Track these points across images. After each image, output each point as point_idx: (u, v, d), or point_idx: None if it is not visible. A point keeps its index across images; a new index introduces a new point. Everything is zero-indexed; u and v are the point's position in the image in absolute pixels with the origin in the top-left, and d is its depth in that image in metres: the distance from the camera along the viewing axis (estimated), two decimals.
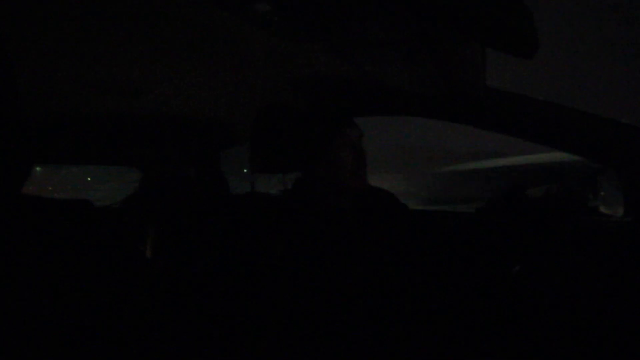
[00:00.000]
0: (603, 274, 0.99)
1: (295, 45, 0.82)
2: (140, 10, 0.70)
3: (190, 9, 0.71)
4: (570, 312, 0.97)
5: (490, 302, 0.99)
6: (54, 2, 0.66)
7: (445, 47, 0.66)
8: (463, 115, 1.07)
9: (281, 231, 0.85)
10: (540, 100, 0.99)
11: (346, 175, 0.89)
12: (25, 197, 0.62)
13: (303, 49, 0.85)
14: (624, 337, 0.89)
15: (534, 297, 0.99)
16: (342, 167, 0.89)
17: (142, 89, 1.08)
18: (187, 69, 0.97)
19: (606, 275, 0.98)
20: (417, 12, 0.46)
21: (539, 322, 0.96)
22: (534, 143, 1.05)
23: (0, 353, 0.45)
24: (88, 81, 1.01)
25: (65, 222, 0.68)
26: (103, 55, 0.87)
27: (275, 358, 0.74)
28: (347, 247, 0.87)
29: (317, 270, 0.82)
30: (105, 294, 0.67)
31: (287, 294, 0.80)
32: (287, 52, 0.87)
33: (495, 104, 1.00)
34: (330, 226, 0.88)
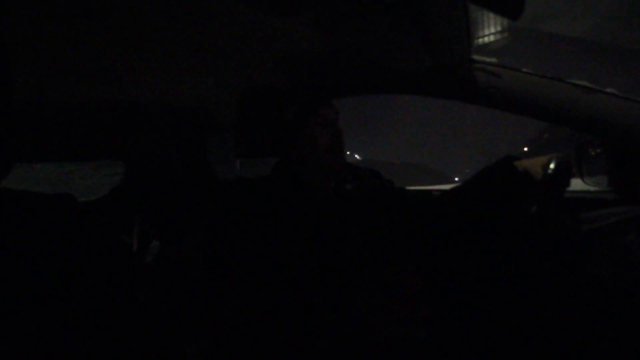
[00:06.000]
0: (588, 243, 1.01)
1: (279, 20, 0.79)
2: None
3: None
4: (558, 280, 0.99)
5: (482, 276, 1.00)
6: None
7: (430, 14, 0.64)
8: (449, 89, 1.06)
9: (267, 216, 0.84)
10: (525, 71, 0.98)
11: (324, 155, 0.88)
12: (5, 191, 0.60)
13: (286, 25, 0.82)
14: (611, 306, 0.92)
15: (524, 268, 1.01)
16: (319, 147, 0.88)
17: (119, 75, 1.04)
18: (166, 52, 0.93)
19: (591, 244, 1.00)
20: None
21: (528, 291, 0.98)
22: (520, 115, 1.05)
23: None
24: (61, 68, 0.96)
25: (47, 217, 0.66)
26: (77, 40, 0.82)
27: (268, 344, 0.74)
28: (332, 228, 0.86)
29: (303, 254, 0.81)
30: (91, 288, 0.65)
31: (276, 280, 0.79)
32: (271, 29, 0.84)
33: (481, 77, 0.99)
34: (313, 208, 0.87)
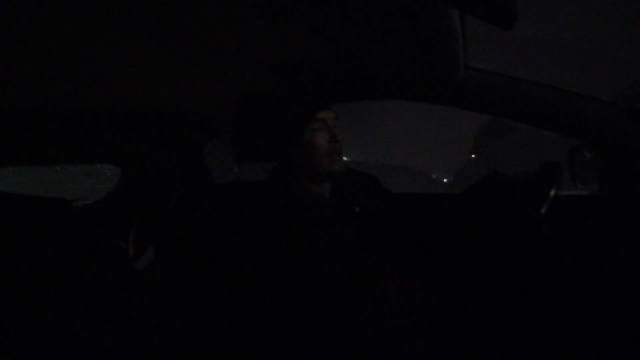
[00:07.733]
0: (581, 249, 1.02)
1: (276, 26, 0.80)
2: None
3: None
4: (549, 291, 1.00)
5: (474, 282, 1.01)
6: None
7: (426, 21, 0.65)
8: (445, 96, 1.07)
9: (263, 220, 0.84)
10: (518, 78, 1.00)
11: (322, 159, 0.89)
12: (0, 194, 0.60)
13: (284, 30, 0.82)
14: (602, 306, 0.93)
15: (516, 275, 1.02)
16: (318, 151, 0.88)
17: (115, 77, 1.03)
18: (163, 54, 0.93)
19: (584, 250, 1.02)
20: None
21: (521, 299, 0.98)
22: (513, 121, 1.07)
23: None
24: (56, 70, 0.95)
25: (42, 221, 0.66)
26: (73, 42, 0.82)
27: (264, 347, 0.74)
28: (327, 233, 0.87)
29: (300, 259, 0.81)
30: (87, 292, 0.64)
31: (273, 284, 0.79)
32: (268, 34, 0.85)
33: (476, 83, 1.01)
34: (310, 212, 0.88)
